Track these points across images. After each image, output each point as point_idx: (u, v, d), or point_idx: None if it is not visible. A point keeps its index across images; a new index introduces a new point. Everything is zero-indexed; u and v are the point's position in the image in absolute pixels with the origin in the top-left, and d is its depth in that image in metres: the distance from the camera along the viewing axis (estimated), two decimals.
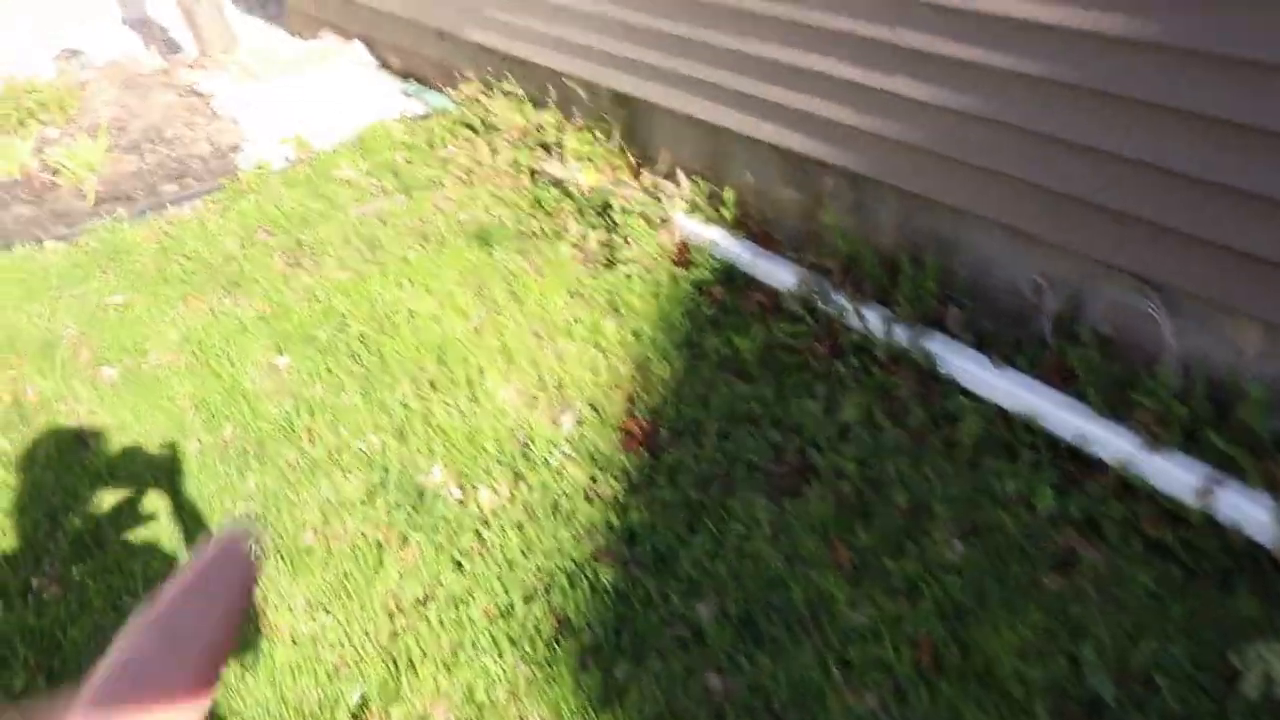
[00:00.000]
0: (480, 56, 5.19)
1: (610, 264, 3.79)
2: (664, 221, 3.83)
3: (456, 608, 2.48)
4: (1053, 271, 2.89)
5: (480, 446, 2.98)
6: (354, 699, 2.31)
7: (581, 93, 4.41)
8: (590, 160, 4.38)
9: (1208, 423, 2.53)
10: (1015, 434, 2.75)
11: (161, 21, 8.36)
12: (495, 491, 2.81)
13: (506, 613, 2.46)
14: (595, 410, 3.08)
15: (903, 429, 2.86)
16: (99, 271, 4.31)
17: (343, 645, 2.44)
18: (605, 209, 4.02)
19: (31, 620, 2.60)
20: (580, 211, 4.12)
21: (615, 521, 2.66)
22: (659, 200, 3.94)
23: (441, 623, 2.45)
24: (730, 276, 3.59)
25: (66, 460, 3.13)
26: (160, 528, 2.87)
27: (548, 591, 2.50)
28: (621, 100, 4.26)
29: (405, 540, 2.69)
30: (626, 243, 3.78)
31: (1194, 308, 2.61)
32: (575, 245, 3.97)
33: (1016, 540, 2.49)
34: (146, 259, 4.38)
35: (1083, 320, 2.85)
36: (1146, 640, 2.22)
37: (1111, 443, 2.58)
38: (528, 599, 2.49)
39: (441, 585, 2.54)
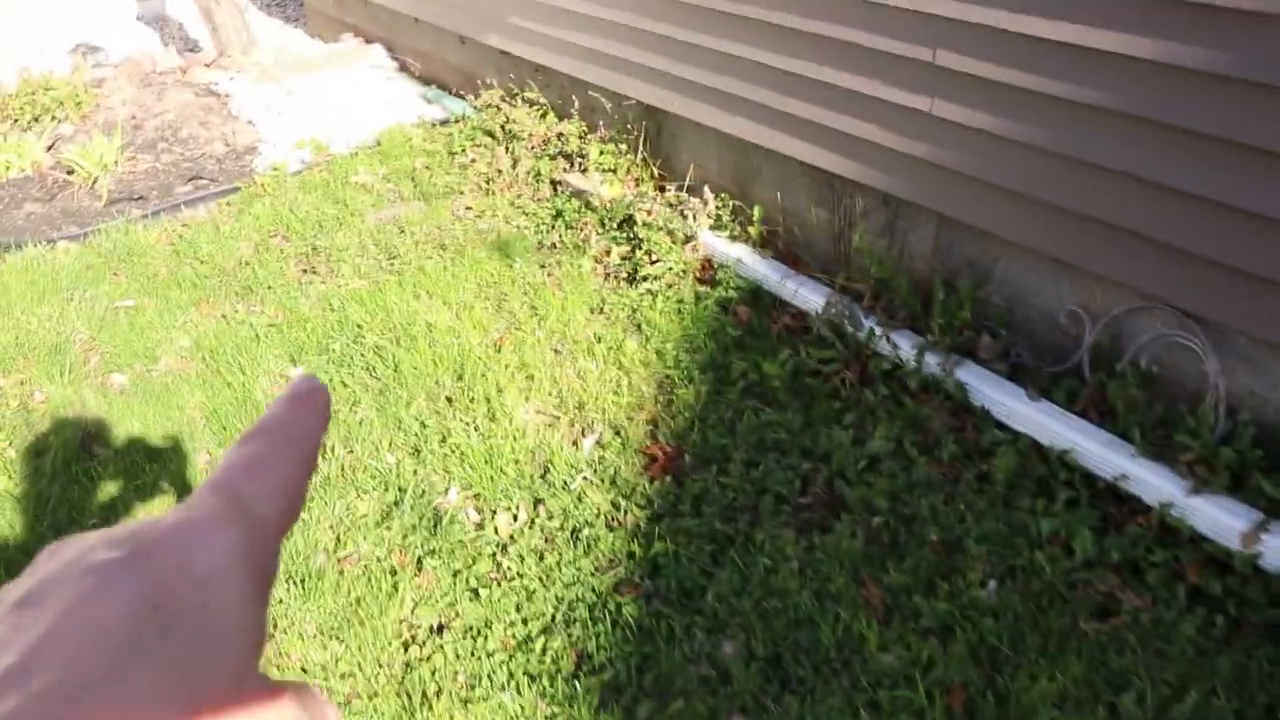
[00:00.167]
0: (503, 63, 5.12)
1: (633, 279, 3.71)
2: (688, 238, 3.75)
3: (473, 639, 2.40)
4: (1091, 303, 2.81)
5: (498, 468, 2.90)
6: None
7: (605, 103, 4.34)
8: (613, 172, 4.31)
9: (1255, 465, 2.44)
10: (1051, 470, 2.67)
11: (179, 19, 8.32)
12: (514, 516, 2.73)
13: (525, 645, 2.37)
14: (617, 433, 3.00)
15: (934, 462, 2.77)
16: (110, 274, 4.25)
17: (355, 675, 2.36)
18: (628, 222, 3.95)
19: None
20: (602, 224, 4.05)
21: (638, 551, 2.58)
22: (684, 215, 3.86)
23: (458, 654, 2.36)
24: (756, 296, 3.51)
25: (72, 471, 3.06)
26: None
27: (568, 624, 2.41)
28: (646, 111, 4.18)
29: (420, 565, 2.61)
30: (650, 258, 3.70)
31: (1241, 345, 2.52)
32: (597, 259, 3.89)
33: (1054, 583, 2.40)
34: (159, 261, 4.31)
35: (1122, 354, 2.77)
36: (1190, 693, 2.13)
37: (1153, 484, 2.49)
38: (547, 631, 2.40)
39: (458, 614, 2.46)
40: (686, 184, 4.07)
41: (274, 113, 5.84)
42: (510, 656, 2.34)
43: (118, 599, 0.27)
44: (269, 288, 4.01)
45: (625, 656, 2.32)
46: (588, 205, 4.19)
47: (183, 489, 2.98)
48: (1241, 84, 2.21)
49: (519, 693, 2.26)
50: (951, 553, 2.52)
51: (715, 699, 2.22)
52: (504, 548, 2.65)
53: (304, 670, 2.38)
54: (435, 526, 2.73)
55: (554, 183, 4.49)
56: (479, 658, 2.35)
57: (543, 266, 3.92)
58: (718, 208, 3.87)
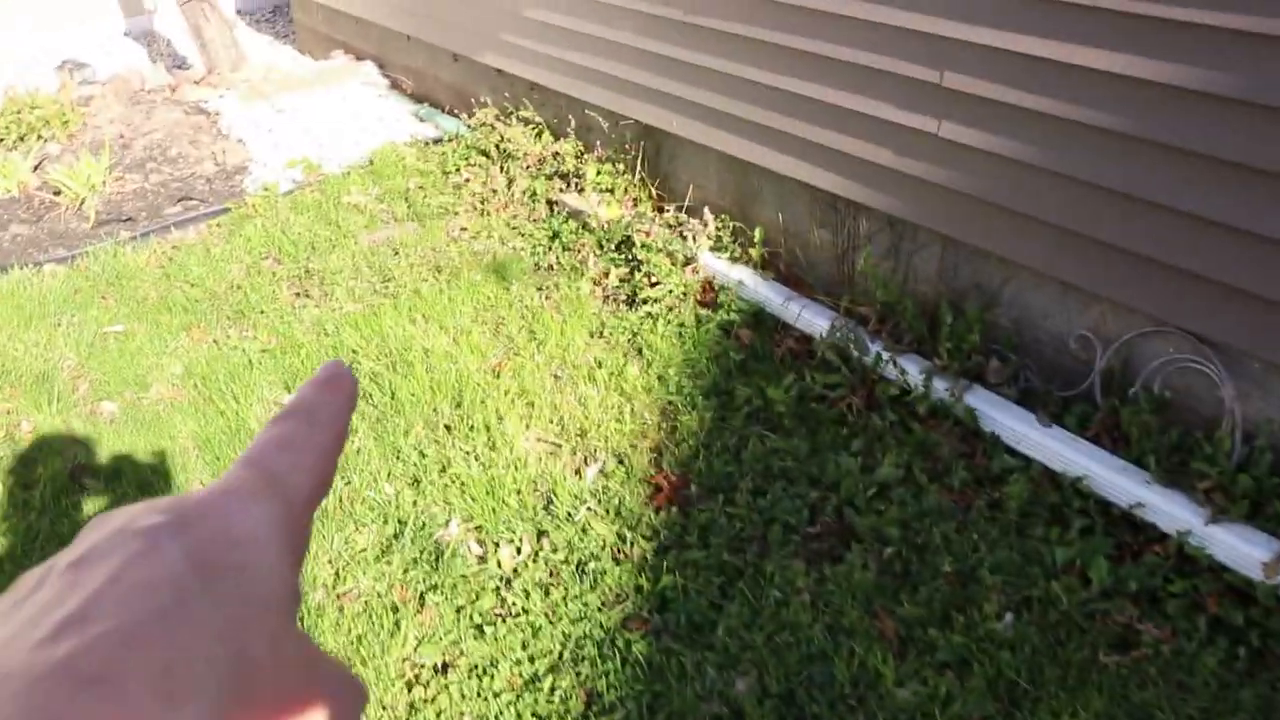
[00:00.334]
0: (497, 81, 5.07)
1: (632, 302, 3.66)
2: (689, 259, 3.70)
3: (479, 678, 2.33)
4: (1101, 326, 2.77)
5: (500, 499, 2.83)
6: None
7: (602, 122, 4.29)
8: (611, 192, 4.26)
9: (1273, 493, 2.41)
10: (1065, 497, 2.62)
11: (168, 35, 8.25)
12: (517, 549, 2.67)
13: (532, 684, 2.31)
14: (621, 461, 2.94)
15: (945, 489, 2.72)
16: (99, 298, 4.17)
17: None
18: (626, 244, 3.90)
19: None
20: (600, 245, 4.00)
21: (645, 585, 2.52)
22: (683, 237, 3.81)
23: (463, 694, 2.29)
24: (759, 319, 3.46)
25: (62, 504, 2.98)
26: None
27: (576, 662, 2.35)
28: (645, 131, 4.14)
29: (423, 601, 2.54)
30: (649, 280, 3.65)
31: (1255, 370, 2.49)
32: (595, 281, 3.84)
33: (1071, 614, 2.36)
34: (148, 285, 4.24)
35: (1134, 378, 2.73)
36: None
37: (1170, 512, 2.45)
38: (554, 670, 2.34)
39: (462, 653, 2.39)
40: (686, 204, 4.03)
41: (264, 131, 5.77)
42: (518, 697, 2.28)
43: (164, 558, 0.29)
44: (261, 312, 3.94)
45: (636, 695, 2.26)
46: (585, 226, 4.14)
47: None
48: (1253, 107, 2.18)
49: None
50: (966, 583, 2.47)
51: None
52: (508, 582, 2.58)
53: None
54: (437, 560, 2.66)
55: (550, 203, 4.44)
56: (485, 698, 2.28)
57: (540, 289, 3.86)
58: (718, 229, 3.82)
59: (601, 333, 3.56)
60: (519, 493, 2.86)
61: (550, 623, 2.45)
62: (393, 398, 3.31)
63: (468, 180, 4.80)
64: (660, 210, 4.12)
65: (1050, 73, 2.52)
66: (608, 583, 2.54)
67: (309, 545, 0.36)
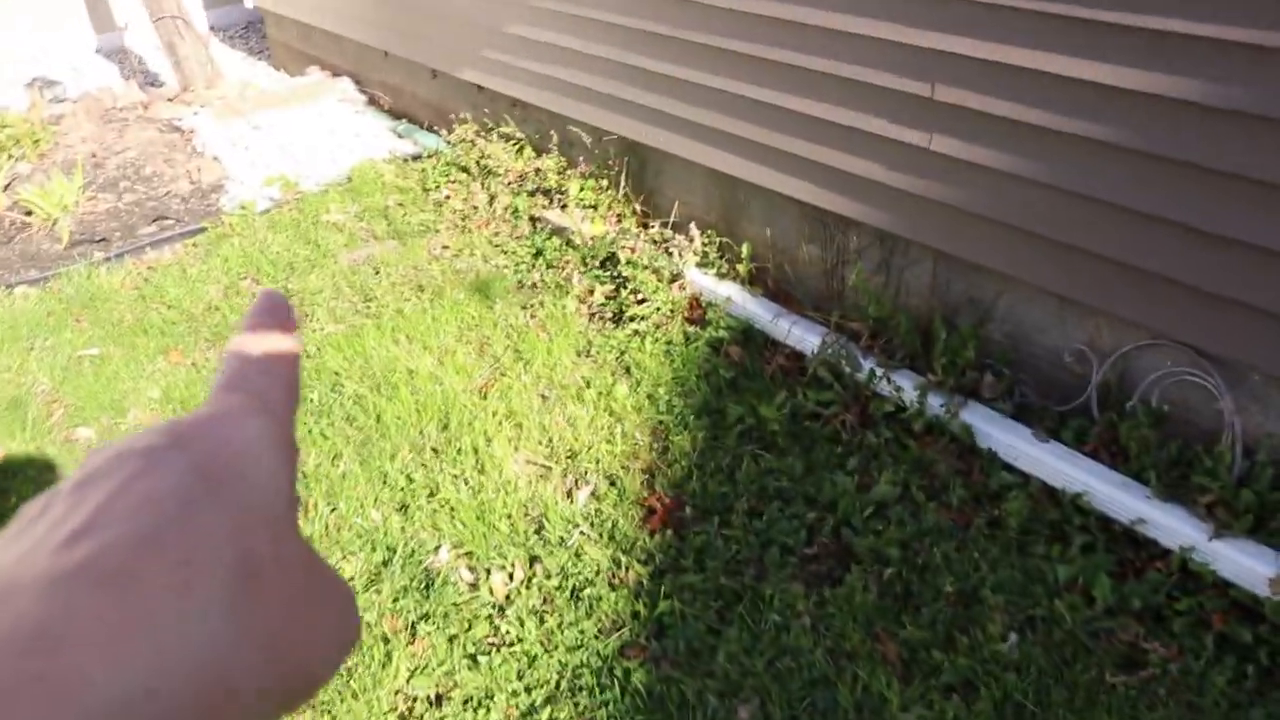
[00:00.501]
0: (477, 97, 5.02)
1: (618, 320, 3.61)
2: (675, 276, 3.66)
3: (474, 710, 2.26)
4: (1097, 339, 2.75)
5: (490, 524, 2.77)
6: None
7: (585, 137, 4.25)
8: (594, 209, 4.22)
9: (1276, 507, 2.38)
10: (1065, 514, 2.59)
11: (140, 52, 8.15)
12: (509, 575, 2.61)
13: (529, 716, 2.24)
14: (613, 483, 2.88)
15: (943, 507, 2.69)
16: (73, 320, 4.07)
17: None
18: (611, 261, 3.85)
19: None
20: (584, 263, 3.95)
21: (642, 611, 2.46)
22: (669, 253, 3.77)
23: None
24: (748, 336, 3.42)
25: None
26: None
27: (574, 692, 2.29)
28: (628, 147, 4.10)
29: (414, 631, 2.47)
30: (635, 298, 3.60)
31: (1254, 383, 2.47)
32: (581, 299, 3.79)
33: (1076, 634, 2.32)
34: (124, 307, 4.14)
35: (1131, 392, 2.71)
36: None
37: (1172, 527, 2.42)
38: (552, 700, 2.27)
39: (456, 684, 2.32)
40: (672, 220, 3.99)
41: (241, 148, 5.69)
42: None
43: (167, 471, 0.30)
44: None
45: None
46: (569, 243, 4.09)
47: None
48: (1249, 119, 2.17)
49: None
50: (968, 603, 2.43)
51: None
52: (501, 610, 2.52)
53: None
54: (427, 588, 2.59)
55: (533, 219, 4.39)
56: None
57: (525, 307, 3.80)
58: (704, 245, 3.78)
59: (588, 351, 3.50)
60: (510, 517, 2.79)
61: (546, 651, 2.39)
62: (378, 420, 3.23)
63: (448, 197, 4.74)
64: (645, 226, 4.08)
65: (1042, 85, 2.50)
66: (603, 609, 2.48)
67: (299, 453, 0.37)
